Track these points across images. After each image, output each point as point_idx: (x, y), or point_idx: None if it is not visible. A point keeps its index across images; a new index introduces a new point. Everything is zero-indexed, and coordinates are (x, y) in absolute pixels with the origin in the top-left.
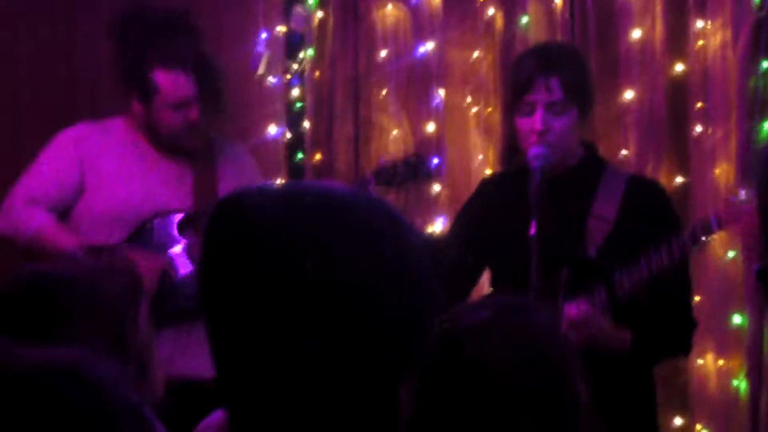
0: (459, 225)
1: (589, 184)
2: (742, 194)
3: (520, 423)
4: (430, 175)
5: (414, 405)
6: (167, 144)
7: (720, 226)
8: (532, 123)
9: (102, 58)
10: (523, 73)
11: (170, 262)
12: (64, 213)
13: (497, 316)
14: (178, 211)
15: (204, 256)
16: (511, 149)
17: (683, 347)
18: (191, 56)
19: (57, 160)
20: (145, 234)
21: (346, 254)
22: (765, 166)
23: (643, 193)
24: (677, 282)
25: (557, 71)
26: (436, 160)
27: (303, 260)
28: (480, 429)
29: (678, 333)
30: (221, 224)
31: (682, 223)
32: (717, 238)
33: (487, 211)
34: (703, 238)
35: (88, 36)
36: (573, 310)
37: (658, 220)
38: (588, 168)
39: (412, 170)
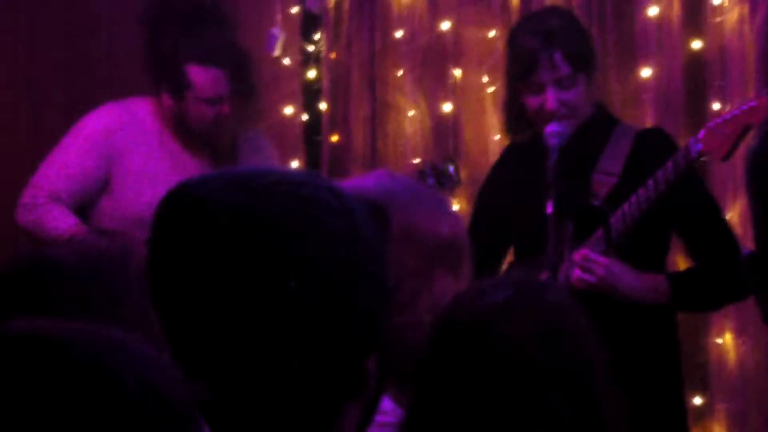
0: (481, 201)
1: (597, 141)
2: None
3: (551, 401)
4: (455, 184)
5: (439, 389)
6: (195, 137)
7: (701, 151)
8: (543, 102)
9: (123, 39)
10: (525, 53)
11: None
12: (84, 206)
13: (516, 296)
14: None
15: (153, 250)
16: (515, 119)
17: (741, 290)
18: (226, 51)
19: (85, 156)
20: None
21: (298, 230)
22: (756, 158)
23: (650, 145)
24: (714, 232)
25: (559, 45)
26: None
27: (255, 242)
28: (511, 409)
29: (731, 274)
30: (169, 216)
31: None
32: (735, 217)
33: (505, 185)
34: (686, 164)
35: (109, 16)
36: (576, 255)
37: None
38: (597, 125)
39: (441, 179)
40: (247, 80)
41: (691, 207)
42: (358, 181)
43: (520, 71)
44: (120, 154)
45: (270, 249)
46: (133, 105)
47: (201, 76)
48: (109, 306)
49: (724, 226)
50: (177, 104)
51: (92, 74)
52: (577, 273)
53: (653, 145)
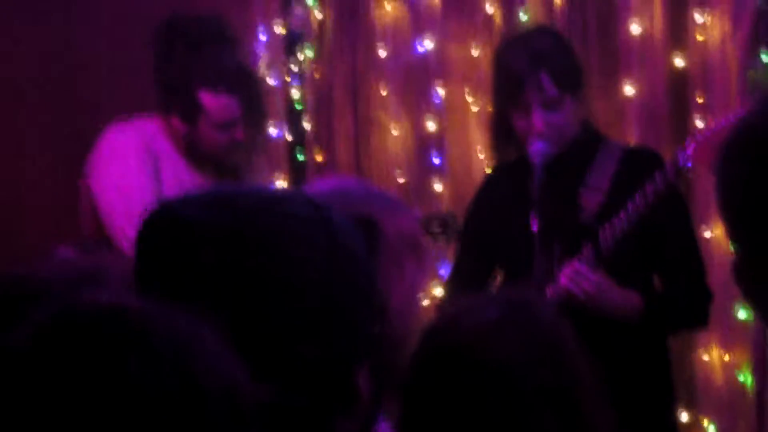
0: (468, 227)
1: (584, 158)
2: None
3: (542, 419)
4: (456, 233)
5: (429, 407)
6: (205, 158)
7: (688, 162)
8: (530, 124)
9: (102, 55)
10: (512, 74)
11: None
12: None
13: (505, 315)
14: None
15: (139, 269)
16: (502, 139)
17: (700, 318)
18: (237, 75)
19: (142, 173)
20: None
21: (279, 248)
22: (728, 156)
23: (637, 162)
24: (686, 257)
25: (546, 66)
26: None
27: (237, 258)
28: (502, 428)
29: (694, 303)
30: (153, 236)
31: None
32: (721, 234)
33: (490, 207)
34: (675, 176)
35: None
36: (565, 269)
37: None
38: (584, 144)
39: (445, 228)
40: (258, 102)
41: (668, 227)
42: (313, 187)
43: (507, 92)
44: (158, 168)
45: (251, 268)
46: (140, 124)
47: (214, 102)
48: None
49: (697, 251)
50: (189, 129)
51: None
52: (564, 284)
53: (640, 163)
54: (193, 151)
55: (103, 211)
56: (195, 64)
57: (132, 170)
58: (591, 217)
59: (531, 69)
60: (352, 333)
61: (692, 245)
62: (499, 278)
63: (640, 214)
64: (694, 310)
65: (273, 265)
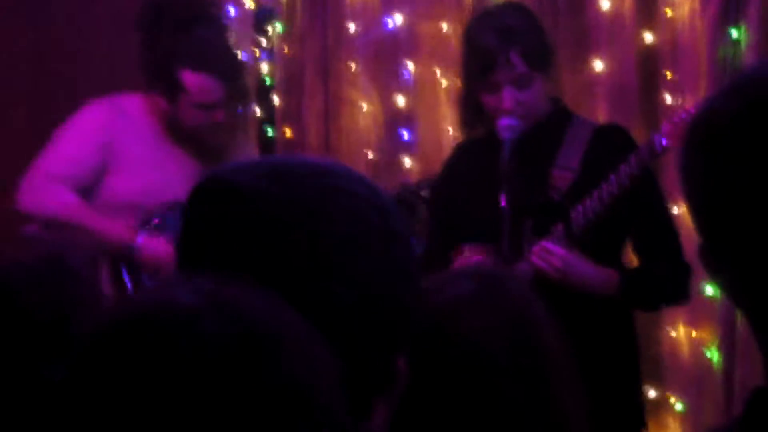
0: (436, 199)
1: (555, 136)
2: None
3: (513, 394)
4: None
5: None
6: (187, 137)
7: (665, 147)
8: (499, 101)
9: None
10: (482, 52)
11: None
12: (84, 192)
13: (475, 290)
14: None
15: (187, 234)
16: (471, 115)
17: (681, 292)
18: (221, 58)
19: (81, 144)
20: (159, 224)
21: (334, 219)
22: (689, 140)
23: (607, 140)
24: (662, 232)
25: (516, 43)
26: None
27: (291, 230)
28: (472, 402)
29: (673, 277)
30: (205, 201)
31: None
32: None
33: (459, 181)
34: (651, 159)
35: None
36: (535, 247)
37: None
38: (554, 121)
39: (416, 197)
40: (241, 87)
41: (641, 204)
42: None
43: (477, 70)
44: (114, 143)
45: (304, 242)
46: (122, 100)
47: (196, 82)
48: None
49: (672, 227)
50: (171, 107)
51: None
52: (534, 261)
53: (611, 141)
54: (175, 130)
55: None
56: (179, 44)
57: (70, 137)
58: (561, 196)
59: (501, 46)
60: (401, 316)
61: (666, 220)
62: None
63: (613, 195)
64: (674, 285)
65: (326, 241)
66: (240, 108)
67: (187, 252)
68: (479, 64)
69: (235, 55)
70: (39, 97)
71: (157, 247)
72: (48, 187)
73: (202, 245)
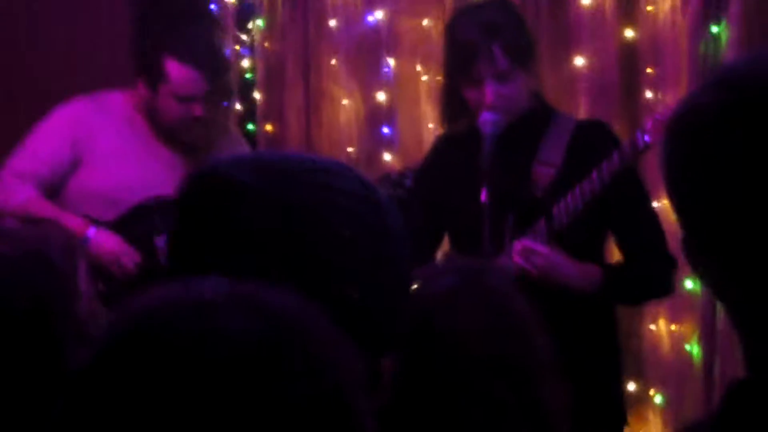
0: (415, 192)
1: (536, 132)
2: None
3: (495, 389)
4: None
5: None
6: (163, 131)
7: (647, 144)
8: (481, 96)
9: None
10: (464, 46)
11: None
12: (56, 190)
13: (459, 284)
14: (170, 199)
15: (180, 227)
16: (452, 109)
17: (664, 286)
18: (207, 54)
19: (50, 139)
20: (134, 219)
21: (328, 218)
22: (670, 133)
23: (589, 136)
24: (644, 227)
25: (498, 38)
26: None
27: (285, 229)
28: (456, 397)
29: (656, 271)
30: (198, 195)
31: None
32: (669, 204)
33: (440, 175)
34: (633, 156)
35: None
36: (516, 245)
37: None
38: (535, 117)
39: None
40: (223, 85)
41: (623, 199)
42: None
43: (459, 64)
44: (88, 137)
45: (298, 240)
46: (103, 96)
47: (178, 73)
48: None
49: (655, 221)
50: (151, 96)
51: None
52: (516, 261)
53: (593, 137)
54: (157, 125)
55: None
56: (168, 33)
57: (40, 132)
58: (543, 191)
59: (483, 41)
60: (392, 316)
61: (649, 215)
62: (447, 247)
63: (594, 192)
64: (657, 279)
65: (321, 240)
66: (220, 107)
67: (179, 248)
68: (461, 58)
69: (222, 52)
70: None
71: (106, 242)
72: (12, 185)
73: (196, 242)
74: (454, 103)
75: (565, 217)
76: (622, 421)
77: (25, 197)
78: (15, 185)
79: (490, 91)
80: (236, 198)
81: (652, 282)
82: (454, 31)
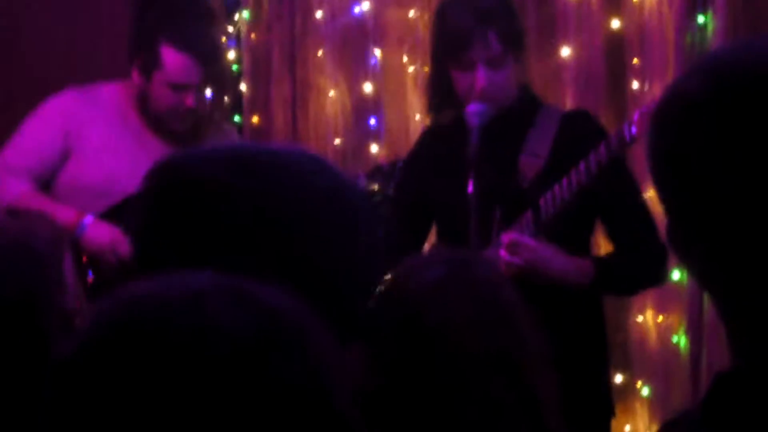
0: (404, 182)
1: (523, 123)
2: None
3: (485, 380)
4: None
5: (377, 374)
6: (155, 121)
7: (634, 136)
8: (473, 80)
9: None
10: (459, 29)
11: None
12: (47, 183)
13: (447, 276)
14: None
15: (145, 221)
16: (440, 98)
17: (659, 274)
18: (205, 45)
19: (40, 131)
20: (124, 211)
21: (297, 211)
22: (655, 122)
23: (575, 127)
24: (634, 216)
25: (492, 24)
26: None
27: (249, 218)
28: (446, 389)
29: (649, 260)
30: (162, 188)
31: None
32: (655, 195)
33: (426, 166)
34: (620, 148)
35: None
36: (504, 238)
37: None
38: (522, 108)
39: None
40: (218, 78)
41: (613, 191)
42: None
43: (452, 48)
44: (79, 128)
45: (269, 233)
46: (95, 88)
47: (173, 60)
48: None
49: (645, 211)
50: (144, 83)
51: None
52: (503, 256)
53: (580, 128)
54: (145, 109)
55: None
56: (165, 20)
57: (31, 125)
58: (530, 183)
59: (478, 25)
60: (358, 307)
61: (640, 204)
62: (433, 239)
63: (582, 184)
64: (650, 267)
65: (291, 235)
66: (214, 101)
67: (144, 239)
68: (455, 43)
69: (220, 47)
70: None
71: (103, 230)
72: (4, 179)
73: (160, 234)
74: (441, 91)
75: (552, 209)
76: (610, 413)
77: (18, 191)
78: (8, 180)
79: (482, 76)
80: (205, 193)
81: (645, 271)
82: (446, 16)
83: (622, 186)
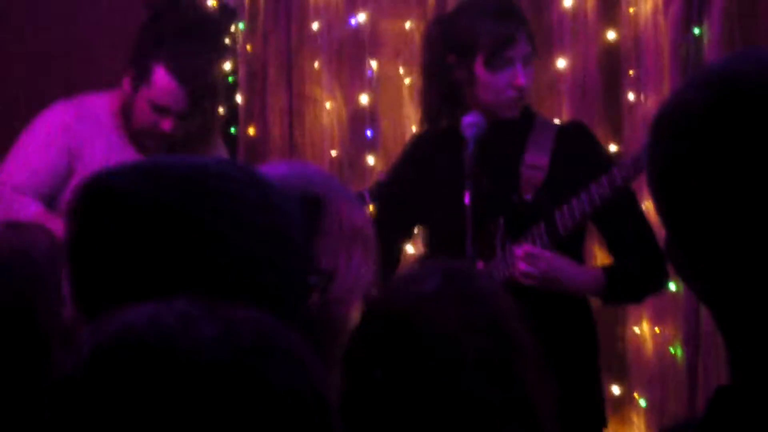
0: (392, 184)
1: (519, 134)
2: None
3: (480, 386)
4: None
5: (371, 377)
6: (132, 134)
7: None
8: (512, 78)
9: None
10: (499, 28)
11: None
12: (51, 202)
13: (443, 286)
14: None
15: (73, 242)
16: (437, 105)
17: (662, 279)
18: (200, 76)
19: (45, 149)
20: None
21: (211, 220)
22: (654, 134)
23: (571, 139)
24: (635, 223)
25: (524, 23)
26: None
27: (173, 231)
28: (441, 396)
29: (652, 265)
30: (87, 209)
31: (613, 160)
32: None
33: (420, 170)
34: (636, 172)
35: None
36: (518, 250)
37: (588, 162)
38: (519, 120)
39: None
40: (205, 112)
41: (612, 203)
42: (273, 168)
43: (491, 47)
44: (81, 146)
45: (183, 243)
46: (87, 101)
47: (161, 81)
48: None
49: (642, 217)
50: (131, 95)
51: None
52: (522, 267)
53: (575, 139)
54: (127, 122)
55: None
56: (167, 40)
57: (34, 143)
58: (534, 195)
59: (515, 24)
60: (287, 311)
61: (637, 212)
62: (426, 250)
63: (604, 198)
64: (652, 273)
65: (206, 241)
66: (197, 135)
67: (73, 256)
68: (495, 42)
69: (216, 81)
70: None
71: None
72: (15, 200)
73: (86, 250)
74: (443, 98)
75: (570, 222)
76: (602, 424)
77: (31, 212)
78: (19, 200)
79: (522, 72)
80: (115, 204)
81: (649, 277)
82: (475, 17)
83: (621, 196)
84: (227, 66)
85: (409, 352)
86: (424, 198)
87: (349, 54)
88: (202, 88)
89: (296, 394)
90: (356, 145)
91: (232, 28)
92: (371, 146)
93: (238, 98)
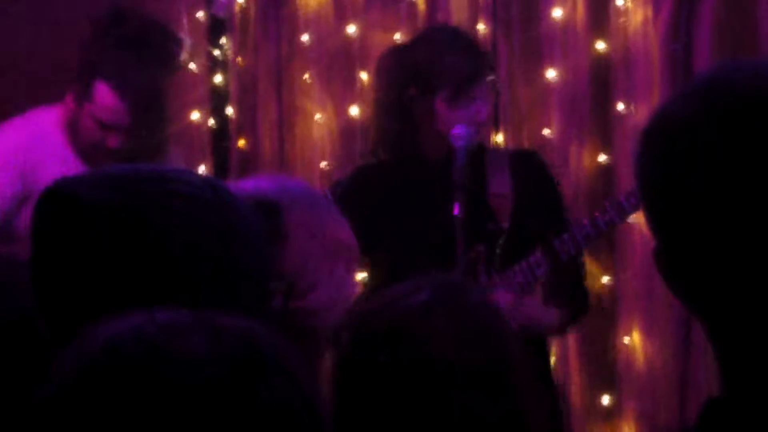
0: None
1: (478, 165)
2: None
3: (471, 400)
4: None
5: (360, 391)
6: (81, 150)
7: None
8: (475, 115)
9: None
10: (469, 66)
11: None
12: (7, 224)
13: (434, 298)
14: None
15: (36, 252)
16: (396, 139)
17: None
18: (144, 92)
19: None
20: None
21: (172, 227)
22: (642, 146)
23: (526, 166)
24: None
25: (490, 61)
26: None
27: (134, 236)
28: (431, 409)
29: (581, 295)
30: (49, 216)
31: (558, 187)
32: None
33: (374, 203)
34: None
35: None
36: (504, 297)
37: (542, 188)
38: (475, 150)
39: None
40: (154, 125)
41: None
42: (256, 182)
43: (458, 83)
44: (34, 168)
45: (145, 246)
46: (37, 118)
47: (103, 98)
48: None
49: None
50: (76, 111)
51: None
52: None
53: (529, 167)
54: (75, 138)
55: None
56: (109, 56)
57: None
58: (510, 223)
59: (484, 63)
60: (238, 311)
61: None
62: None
63: (611, 225)
64: (584, 302)
65: (164, 243)
66: (142, 148)
67: (36, 265)
68: (460, 78)
69: (161, 96)
70: None
71: None
72: None
73: (49, 259)
74: (398, 128)
75: (572, 250)
76: None
77: None
78: None
79: (484, 110)
80: (76, 213)
81: (582, 310)
82: (444, 54)
83: (553, 209)
84: (218, 79)
85: (400, 365)
86: (385, 227)
87: (339, 66)
88: (147, 102)
89: (288, 406)
90: (347, 157)
91: (223, 41)
92: (362, 158)
93: (229, 111)
